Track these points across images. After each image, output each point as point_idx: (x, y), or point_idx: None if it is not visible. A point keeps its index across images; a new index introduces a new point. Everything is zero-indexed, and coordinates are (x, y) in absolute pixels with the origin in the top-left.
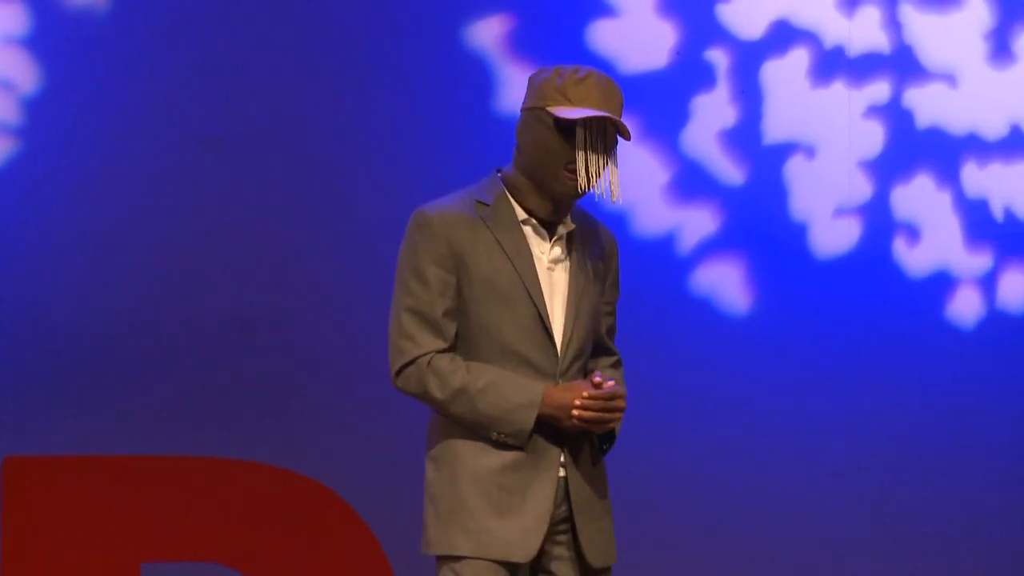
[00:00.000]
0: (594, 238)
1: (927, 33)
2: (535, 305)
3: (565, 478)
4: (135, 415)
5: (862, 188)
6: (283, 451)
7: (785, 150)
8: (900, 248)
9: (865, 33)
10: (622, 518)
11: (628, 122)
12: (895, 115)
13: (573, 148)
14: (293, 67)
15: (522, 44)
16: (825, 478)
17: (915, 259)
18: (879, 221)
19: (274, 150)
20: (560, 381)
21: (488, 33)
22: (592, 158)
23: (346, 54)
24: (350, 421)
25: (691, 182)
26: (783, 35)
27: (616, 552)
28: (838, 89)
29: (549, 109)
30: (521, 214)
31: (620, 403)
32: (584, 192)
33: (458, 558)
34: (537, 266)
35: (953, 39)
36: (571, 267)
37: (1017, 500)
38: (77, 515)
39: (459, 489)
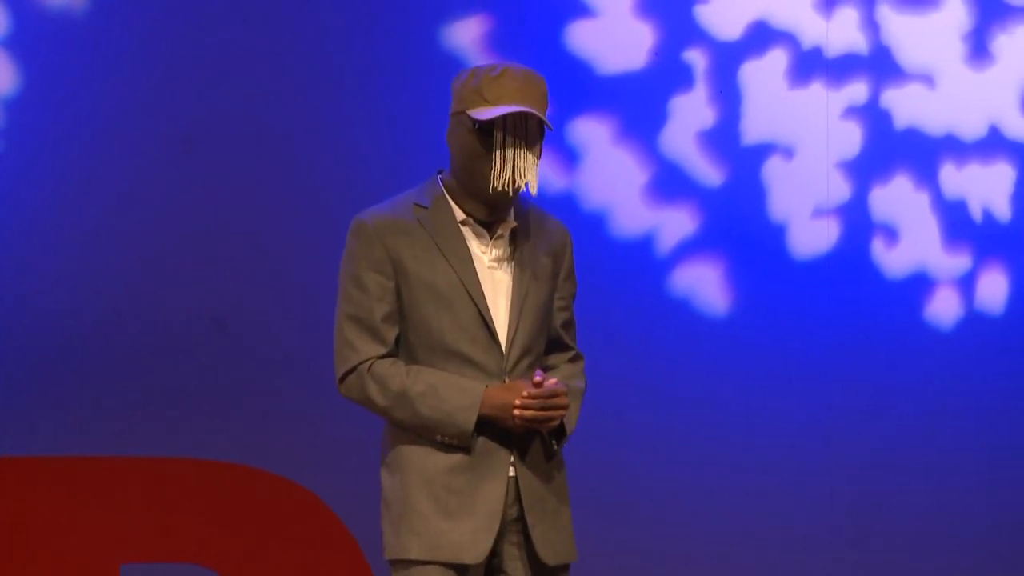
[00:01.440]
0: (542, 233)
1: (905, 34)
2: (476, 305)
3: (515, 478)
4: (113, 416)
5: (840, 189)
6: (261, 452)
7: (763, 151)
8: (878, 249)
9: (843, 34)
10: (602, 517)
11: (607, 123)
12: (873, 116)
13: (489, 148)
14: (271, 68)
15: (500, 45)
16: (803, 478)
17: (893, 260)
18: (857, 222)
19: (252, 150)
20: (507, 380)
21: (466, 34)
22: (509, 154)
23: (324, 55)
24: (328, 422)
25: (669, 183)
26: (761, 36)
27: (576, 550)
28: (816, 90)
29: (468, 112)
30: (460, 215)
31: (561, 400)
32: (516, 190)
33: (409, 562)
34: (477, 266)
35: (931, 40)
36: (515, 265)
37: (995, 500)
38: (56, 516)
39: (409, 493)
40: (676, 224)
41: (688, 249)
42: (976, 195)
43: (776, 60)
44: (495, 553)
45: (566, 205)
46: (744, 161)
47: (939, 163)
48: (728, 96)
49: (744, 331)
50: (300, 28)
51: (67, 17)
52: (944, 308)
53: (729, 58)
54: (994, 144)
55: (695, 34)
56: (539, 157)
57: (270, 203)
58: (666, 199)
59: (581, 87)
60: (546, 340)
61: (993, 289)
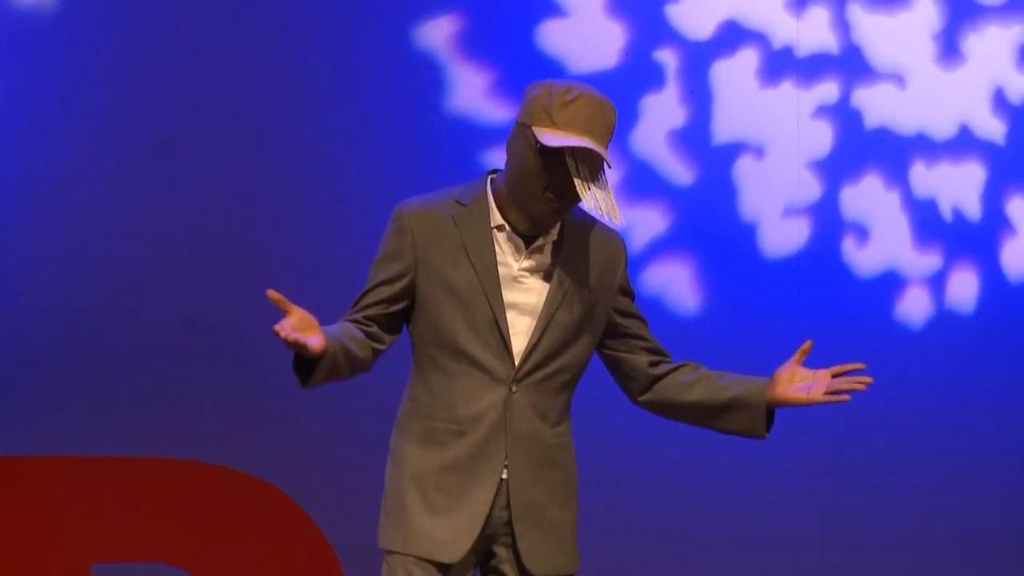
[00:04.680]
0: (592, 246)
1: (875, 34)
2: (492, 310)
3: (507, 481)
4: (85, 415)
5: (811, 188)
6: (233, 452)
7: (734, 150)
8: (849, 248)
9: (814, 34)
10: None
11: None
12: (844, 115)
13: (551, 172)
14: (243, 67)
15: (472, 44)
16: (774, 479)
17: (864, 259)
18: (828, 221)
19: (224, 150)
20: (514, 388)
21: (438, 33)
22: (586, 185)
23: (295, 54)
24: (300, 421)
25: (640, 182)
26: (732, 35)
27: (576, 561)
28: (787, 89)
29: (534, 129)
30: (497, 219)
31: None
32: (563, 212)
33: (392, 552)
34: (502, 271)
35: (901, 40)
36: (553, 277)
37: (967, 499)
38: (27, 516)
39: (400, 486)
40: (647, 223)
41: (659, 248)
42: (946, 194)
43: (747, 59)
44: (492, 555)
45: None
46: (715, 160)
47: (909, 162)
48: (699, 95)
49: (715, 330)
50: (272, 27)
51: (36, 16)
52: (914, 307)
53: (700, 57)
54: (964, 144)
55: (666, 34)
56: (605, 188)
57: (243, 203)
58: (637, 198)
59: None
60: (586, 355)
61: (963, 288)
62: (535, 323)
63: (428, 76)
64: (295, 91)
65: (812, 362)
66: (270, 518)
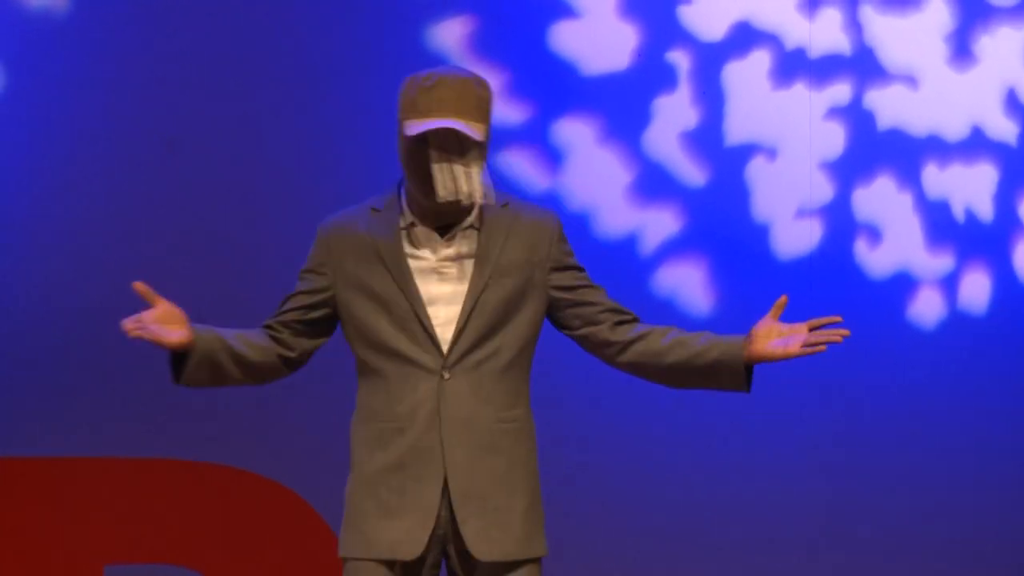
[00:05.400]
0: (517, 226)
1: (888, 35)
2: (410, 304)
3: (446, 469)
4: (96, 417)
5: (823, 189)
6: (245, 453)
7: (746, 151)
8: (861, 249)
9: (826, 35)
10: (579, 518)
11: (591, 124)
12: (856, 116)
13: (425, 161)
14: (254, 68)
15: (484, 45)
16: (786, 480)
17: (876, 260)
18: (840, 222)
19: (233, 151)
20: (447, 376)
21: (450, 34)
22: (447, 168)
23: (307, 55)
24: (310, 422)
25: (653, 183)
26: (744, 37)
27: (533, 546)
28: (799, 91)
29: (403, 123)
30: (408, 217)
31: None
32: (466, 199)
33: (351, 559)
34: (419, 265)
35: (913, 41)
36: (475, 260)
37: (979, 500)
38: (40, 517)
39: (354, 491)
40: (660, 224)
41: (672, 249)
42: (959, 195)
43: (759, 61)
44: (448, 554)
45: (550, 205)
46: (727, 161)
47: (922, 164)
48: (711, 97)
49: (727, 331)
50: (284, 28)
51: (48, 17)
52: (927, 308)
53: (712, 59)
54: (977, 145)
55: (678, 35)
56: (480, 166)
57: (250, 204)
58: (650, 199)
59: (565, 88)
60: (525, 336)
61: (976, 289)
62: (462, 308)
63: None
64: (306, 92)
65: (823, 363)
66: (282, 519)
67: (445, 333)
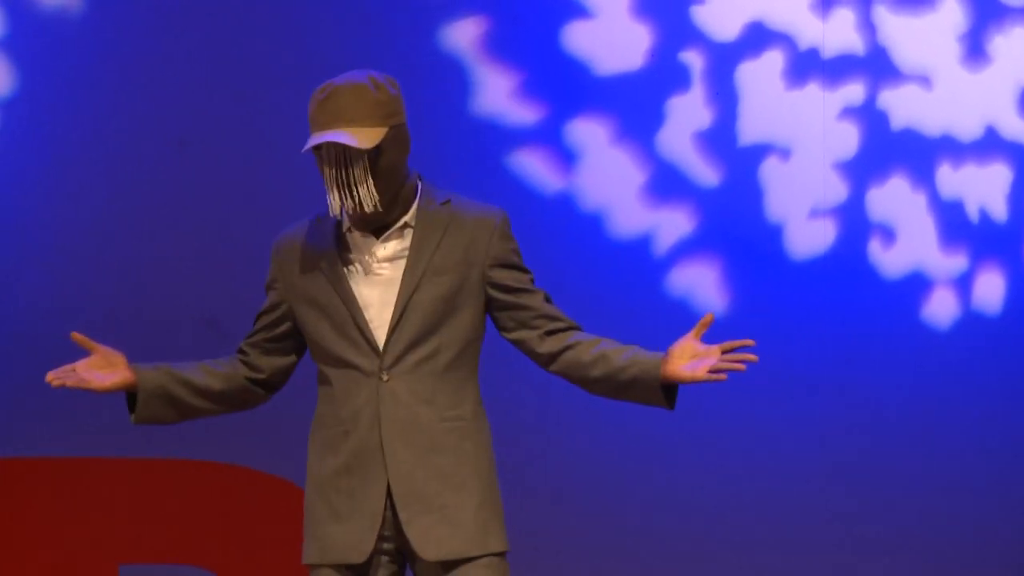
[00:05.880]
0: (453, 225)
1: (901, 35)
2: (347, 308)
3: (387, 471)
4: (111, 417)
5: (837, 189)
6: (260, 453)
7: (760, 151)
8: (875, 249)
9: (839, 35)
10: (589, 519)
11: (605, 124)
12: (870, 116)
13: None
14: (268, 68)
15: (497, 45)
16: (799, 480)
17: (890, 260)
18: (854, 222)
19: (246, 151)
20: (385, 377)
21: (464, 34)
22: (334, 181)
23: (320, 55)
24: None
25: (667, 183)
26: (758, 37)
27: (487, 542)
28: (813, 91)
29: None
30: (346, 223)
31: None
32: (358, 210)
33: (312, 566)
34: (356, 269)
35: (927, 41)
36: (407, 260)
37: (993, 501)
38: (55, 516)
39: (309, 497)
40: (673, 224)
41: (685, 249)
42: (973, 196)
43: (773, 61)
44: (403, 555)
45: (563, 206)
46: (741, 162)
47: (936, 164)
48: (724, 97)
49: (741, 331)
50: (296, 28)
51: (62, 17)
52: (941, 309)
53: (726, 59)
54: (991, 145)
55: (692, 35)
56: (367, 172)
57: (264, 204)
58: (663, 200)
59: (578, 88)
60: (465, 335)
61: (990, 289)
62: (395, 308)
63: (454, 77)
64: None
65: (837, 363)
66: (297, 519)
67: (381, 335)
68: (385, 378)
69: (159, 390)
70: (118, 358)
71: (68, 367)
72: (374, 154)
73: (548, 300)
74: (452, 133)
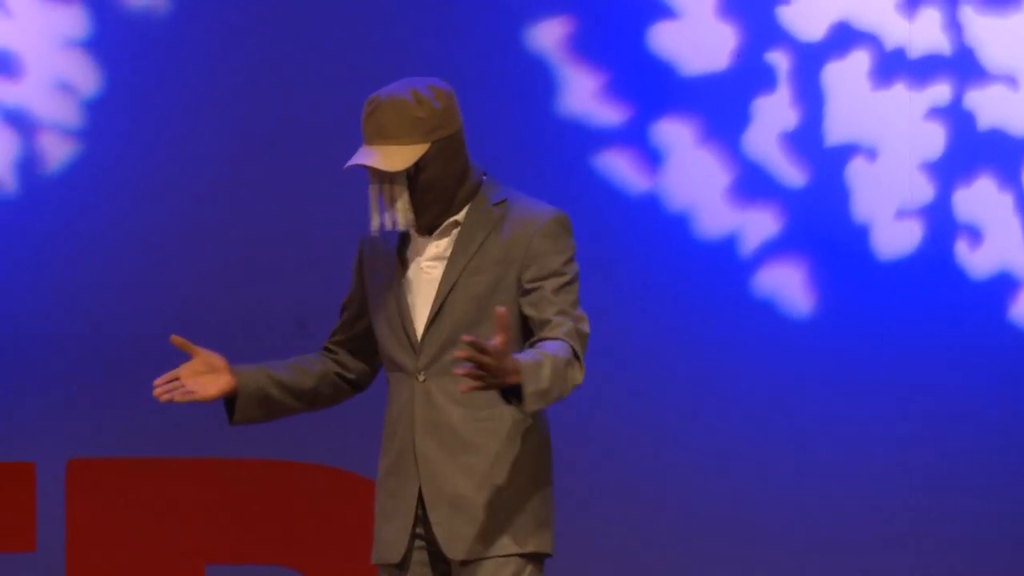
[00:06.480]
0: (504, 224)
1: (988, 35)
2: (398, 306)
3: (419, 471)
4: (200, 418)
5: (924, 190)
6: (348, 454)
7: (846, 152)
8: (962, 250)
9: (926, 35)
10: (679, 521)
11: (690, 125)
12: (956, 117)
13: None
14: (354, 69)
15: (583, 46)
16: (884, 483)
17: (977, 261)
18: (941, 223)
19: (336, 152)
20: (421, 378)
21: (549, 35)
22: (374, 198)
23: (407, 56)
24: None
25: (753, 184)
26: (844, 37)
27: (515, 543)
28: (899, 91)
29: None
30: None
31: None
32: (402, 226)
33: (377, 566)
34: (410, 267)
35: (1014, 41)
36: (448, 260)
37: None
38: (141, 517)
39: (375, 497)
40: (759, 225)
41: (771, 250)
42: None
43: (859, 61)
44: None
45: (649, 207)
46: (827, 162)
47: (1023, 164)
48: (810, 97)
49: (828, 333)
50: (384, 29)
51: (149, 18)
52: None
53: (812, 59)
54: None
55: (777, 35)
56: (403, 191)
57: (354, 204)
58: (749, 200)
59: (664, 89)
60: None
61: None
62: (431, 307)
63: (539, 78)
64: None
65: (923, 365)
66: None
67: (418, 334)
68: (421, 378)
69: (258, 392)
70: (219, 361)
71: (171, 375)
72: (413, 171)
73: (565, 312)
74: (537, 134)
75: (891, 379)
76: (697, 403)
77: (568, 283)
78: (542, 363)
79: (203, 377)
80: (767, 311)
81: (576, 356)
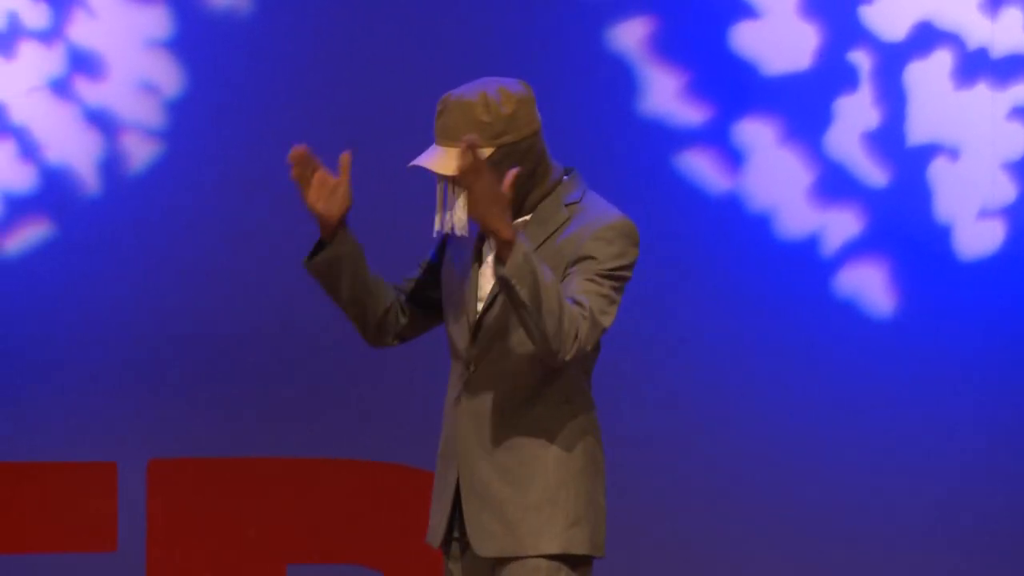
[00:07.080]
0: (569, 221)
1: None
2: (462, 296)
3: (459, 460)
4: (278, 417)
5: (1006, 190)
6: (427, 454)
7: (929, 152)
8: None
9: (1009, 34)
10: (761, 518)
11: (772, 124)
12: None
13: None
14: (435, 69)
15: (665, 46)
16: (968, 485)
17: None
18: (1023, 223)
19: (413, 152)
20: (472, 367)
21: (631, 35)
22: (440, 199)
23: (489, 56)
24: None
25: (834, 184)
26: (926, 37)
27: (542, 543)
28: (981, 90)
29: None
30: None
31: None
32: (458, 232)
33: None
34: (482, 260)
35: None
36: None
37: None
38: (221, 517)
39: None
40: (841, 225)
41: (853, 250)
42: None
43: (941, 61)
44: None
45: (731, 206)
46: (909, 162)
47: None
48: (893, 97)
49: (910, 333)
50: (462, 30)
51: (231, 18)
52: None
53: (894, 59)
54: None
55: (860, 35)
56: (451, 188)
57: (426, 204)
58: (831, 200)
59: (746, 88)
60: None
61: None
62: (486, 300)
63: (620, 78)
64: None
65: (1007, 366)
66: None
67: (474, 327)
68: (472, 368)
69: (355, 251)
70: (342, 188)
71: (308, 160)
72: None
73: (588, 293)
74: (619, 134)
75: (973, 379)
76: (779, 404)
77: (604, 274)
78: (541, 263)
79: (324, 189)
80: (849, 311)
81: (581, 314)
